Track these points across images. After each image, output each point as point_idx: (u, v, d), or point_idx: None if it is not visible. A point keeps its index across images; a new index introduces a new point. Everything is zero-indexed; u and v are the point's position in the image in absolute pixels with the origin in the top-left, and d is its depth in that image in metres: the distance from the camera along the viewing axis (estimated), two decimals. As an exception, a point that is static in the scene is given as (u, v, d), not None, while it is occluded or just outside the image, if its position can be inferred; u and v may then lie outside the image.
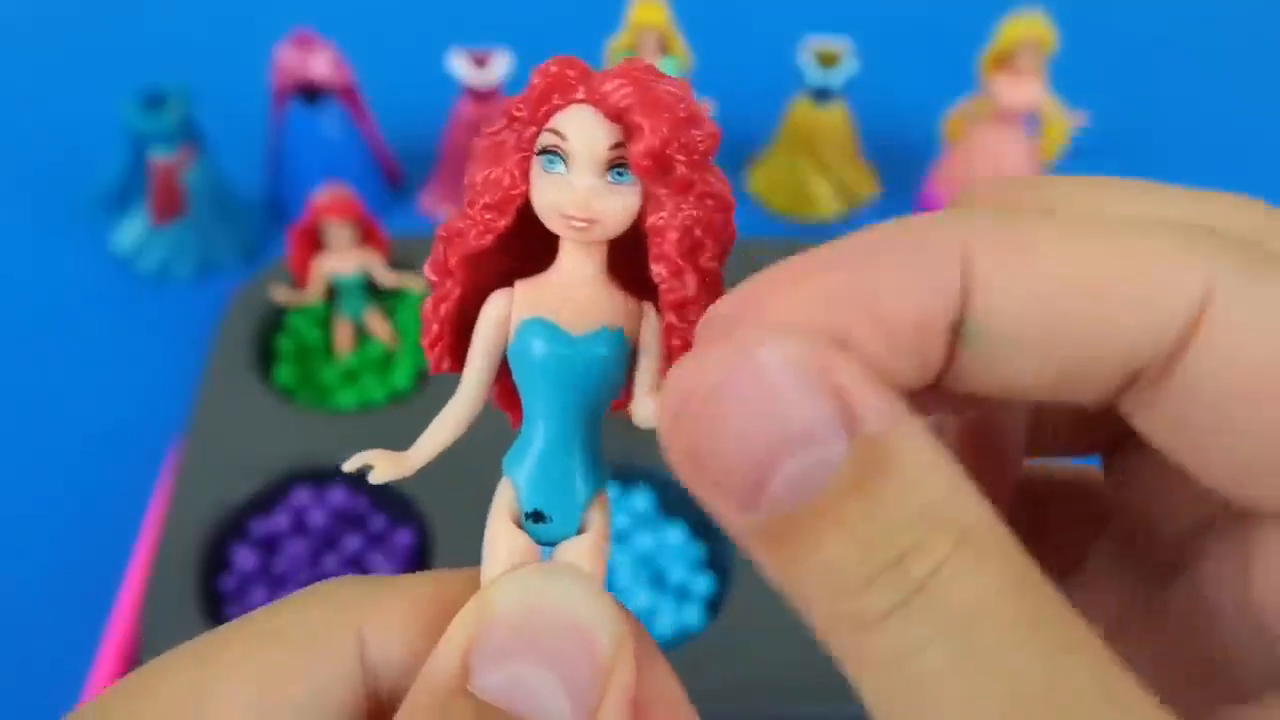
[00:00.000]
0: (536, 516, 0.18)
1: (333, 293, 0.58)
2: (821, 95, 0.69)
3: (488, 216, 0.18)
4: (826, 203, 0.72)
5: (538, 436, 0.18)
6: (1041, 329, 0.14)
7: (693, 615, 0.47)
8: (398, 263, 0.59)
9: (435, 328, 0.19)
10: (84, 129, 0.70)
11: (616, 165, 0.17)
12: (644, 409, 0.19)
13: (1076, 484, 0.20)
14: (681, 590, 0.48)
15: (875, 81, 0.72)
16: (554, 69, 0.18)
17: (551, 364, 0.18)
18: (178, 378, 0.57)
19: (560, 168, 0.17)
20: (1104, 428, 0.19)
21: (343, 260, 0.57)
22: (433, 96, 0.70)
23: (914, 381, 0.15)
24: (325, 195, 0.55)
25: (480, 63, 0.66)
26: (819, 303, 0.14)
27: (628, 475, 0.51)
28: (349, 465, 0.19)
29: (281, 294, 0.58)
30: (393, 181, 0.73)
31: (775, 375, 0.13)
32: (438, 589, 0.18)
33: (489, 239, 0.18)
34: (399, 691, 0.17)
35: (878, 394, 0.13)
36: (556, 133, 0.17)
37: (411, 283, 0.59)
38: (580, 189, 0.17)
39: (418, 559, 0.48)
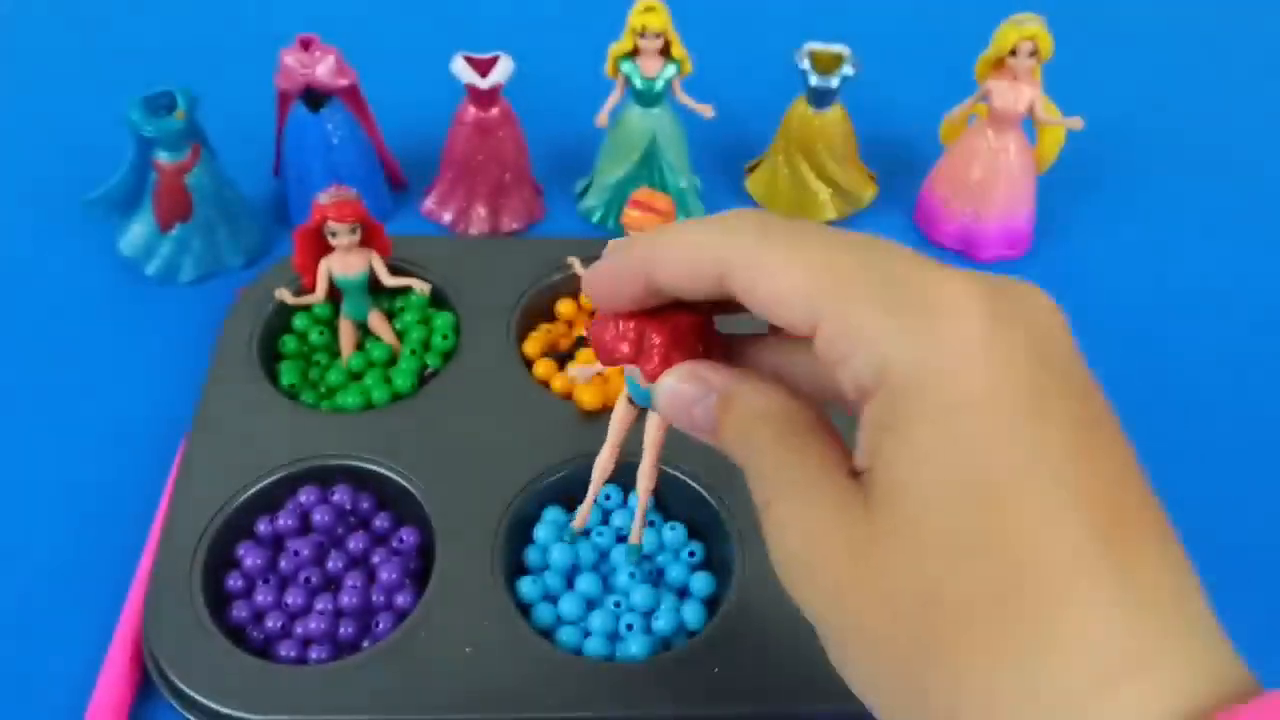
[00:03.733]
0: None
1: (337, 294, 0.59)
2: (820, 98, 0.69)
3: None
4: (825, 206, 0.72)
5: None
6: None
7: (693, 615, 0.47)
8: (401, 265, 0.59)
9: None
10: (90, 132, 0.71)
11: None
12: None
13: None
14: (681, 590, 0.49)
15: (874, 84, 0.72)
16: None
17: None
18: (183, 378, 0.58)
19: None
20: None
21: (346, 262, 0.57)
22: (436, 100, 0.71)
23: (714, 295, 0.27)
24: (329, 197, 0.56)
25: (483, 67, 0.66)
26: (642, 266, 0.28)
27: (628, 475, 0.52)
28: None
29: (286, 295, 0.58)
30: (396, 184, 0.73)
31: (679, 385, 0.29)
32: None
33: None
34: None
35: (722, 374, 0.29)
36: None
37: (415, 284, 0.59)
38: None
39: (423, 558, 0.49)
